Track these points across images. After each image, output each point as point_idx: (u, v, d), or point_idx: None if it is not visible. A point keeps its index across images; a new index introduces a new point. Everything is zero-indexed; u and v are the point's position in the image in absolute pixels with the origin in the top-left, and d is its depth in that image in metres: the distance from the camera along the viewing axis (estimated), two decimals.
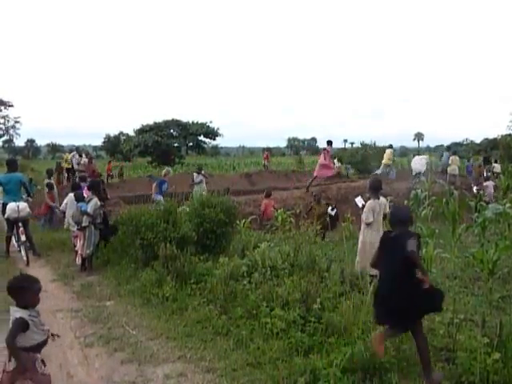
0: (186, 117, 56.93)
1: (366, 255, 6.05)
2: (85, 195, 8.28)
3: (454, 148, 29.51)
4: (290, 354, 4.03)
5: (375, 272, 6.01)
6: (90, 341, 4.67)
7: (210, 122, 43.39)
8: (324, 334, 4.25)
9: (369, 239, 6.08)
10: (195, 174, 13.73)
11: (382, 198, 6.43)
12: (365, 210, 6.19)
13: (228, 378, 3.76)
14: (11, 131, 64.00)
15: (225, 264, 5.63)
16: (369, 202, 6.26)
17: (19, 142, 72.13)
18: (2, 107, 60.61)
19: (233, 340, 4.42)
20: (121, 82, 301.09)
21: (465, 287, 6.37)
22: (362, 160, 27.52)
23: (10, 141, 68.66)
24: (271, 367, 3.87)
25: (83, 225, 7.67)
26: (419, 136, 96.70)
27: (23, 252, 8.07)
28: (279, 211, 11.02)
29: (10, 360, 3.03)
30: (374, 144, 30.35)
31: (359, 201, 6.77)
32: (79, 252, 7.73)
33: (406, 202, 12.26)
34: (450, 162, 17.47)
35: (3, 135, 64.42)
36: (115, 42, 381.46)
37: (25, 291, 3.16)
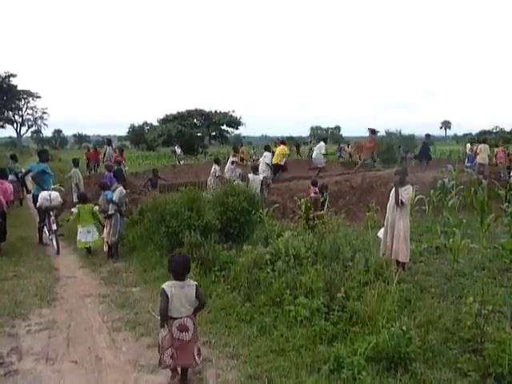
0: (209, 106, 57.08)
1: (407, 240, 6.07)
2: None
3: (483, 136, 28.63)
4: (313, 342, 4.04)
5: (405, 258, 6.06)
6: (118, 325, 4.79)
7: (233, 111, 43.31)
8: (348, 322, 4.24)
9: (407, 224, 6.16)
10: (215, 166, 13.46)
11: (409, 186, 6.34)
12: (406, 192, 6.11)
13: (252, 364, 3.79)
14: (39, 122, 65.75)
15: (248, 252, 5.66)
16: (409, 186, 6.20)
17: (47, 132, 73.91)
18: (30, 98, 62.34)
19: (256, 327, 4.46)
20: (145, 72, 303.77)
21: (493, 278, 6.22)
22: (387, 149, 27.01)
23: (38, 131, 70.51)
24: (295, 354, 3.89)
25: (109, 213, 7.82)
26: (446, 124, 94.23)
27: (54, 241, 8.30)
28: (302, 200, 10.94)
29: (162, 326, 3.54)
30: (400, 132, 29.69)
31: (380, 233, 6.71)
32: (105, 240, 7.91)
33: (432, 191, 12.00)
34: (478, 150, 16.95)
35: (32, 126, 66.21)
36: (140, 34, 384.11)
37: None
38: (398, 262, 6.12)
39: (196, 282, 3.67)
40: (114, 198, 7.76)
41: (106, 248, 7.88)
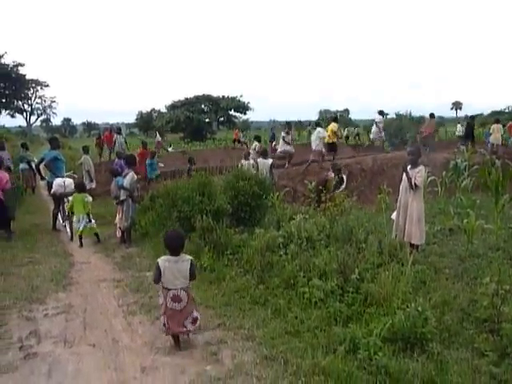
0: (217, 91, 56.72)
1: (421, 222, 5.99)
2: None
3: (496, 116, 28.10)
4: (328, 324, 4.03)
5: (419, 241, 5.98)
6: (133, 309, 4.83)
7: (241, 96, 43.11)
8: (363, 304, 4.22)
9: (422, 206, 6.07)
10: None
11: (422, 167, 6.24)
12: (420, 175, 6.01)
13: (267, 346, 3.81)
14: (48, 111, 65.98)
15: (261, 235, 5.65)
16: (422, 167, 6.10)
17: (56, 121, 74.29)
18: (39, 87, 62.46)
19: (271, 309, 4.47)
20: (152, 59, 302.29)
21: (509, 259, 6.14)
22: (397, 131, 26.64)
23: (47, 120, 70.85)
24: (310, 336, 3.89)
25: (121, 198, 7.86)
26: (457, 105, 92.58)
27: (68, 227, 8.38)
28: (313, 183, 10.88)
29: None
30: (410, 114, 29.24)
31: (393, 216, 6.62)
32: (118, 225, 7.97)
33: (444, 172, 11.84)
34: (491, 130, 16.68)
35: (41, 115, 66.51)
36: (146, 21, 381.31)
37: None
38: (411, 245, 6.05)
39: (191, 257, 3.96)
40: (124, 184, 7.78)
41: (118, 234, 7.95)
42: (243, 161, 11.28)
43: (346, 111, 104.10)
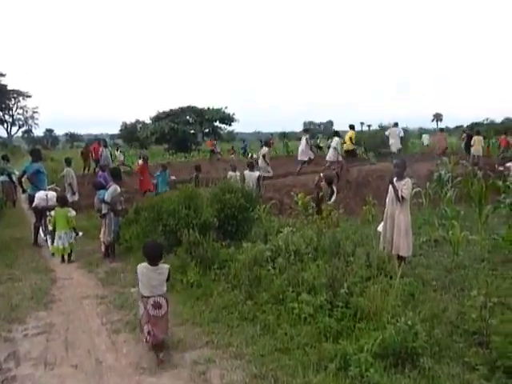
0: (202, 103, 56.81)
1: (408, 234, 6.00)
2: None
3: (476, 128, 28.73)
4: (318, 340, 3.98)
5: (406, 253, 5.98)
6: (117, 327, 4.69)
7: (226, 107, 43.13)
8: (352, 318, 4.18)
9: (408, 218, 6.06)
10: None
11: (408, 179, 6.28)
12: (406, 187, 6.03)
13: (257, 364, 3.73)
14: (30, 121, 65.03)
15: (248, 249, 5.58)
16: (408, 180, 6.12)
17: (38, 131, 73.08)
18: (20, 98, 61.57)
19: (259, 325, 4.40)
20: (136, 69, 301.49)
21: (494, 270, 6.19)
22: (381, 143, 26.99)
23: (29, 131, 69.70)
24: (300, 353, 3.83)
25: (103, 212, 7.71)
26: (438, 117, 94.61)
27: (49, 241, 8.17)
28: (299, 195, 10.88)
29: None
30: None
31: (380, 228, 6.64)
32: (102, 239, 7.80)
33: (428, 183, 11.98)
34: (472, 142, 16.99)
35: (22, 125, 65.48)
36: (130, 31, 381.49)
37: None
38: (399, 257, 6.05)
39: (168, 266, 4.14)
40: (105, 198, 7.63)
41: (103, 248, 7.77)
42: (230, 172, 11.24)
43: (330, 123, 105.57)
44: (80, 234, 7.82)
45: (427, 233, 8.52)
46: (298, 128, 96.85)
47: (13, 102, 61.64)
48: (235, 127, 50.41)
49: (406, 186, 6.02)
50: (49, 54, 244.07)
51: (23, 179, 8.88)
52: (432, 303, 4.65)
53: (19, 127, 65.52)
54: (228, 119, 43.56)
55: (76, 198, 12.41)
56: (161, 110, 43.00)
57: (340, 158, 14.62)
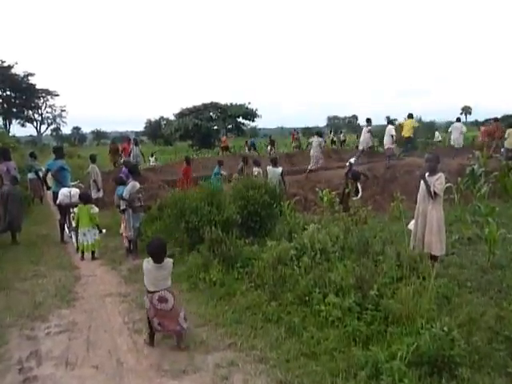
0: (225, 99, 56.77)
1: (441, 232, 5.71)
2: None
3: (508, 120, 27.61)
4: (347, 344, 3.76)
5: (440, 252, 5.67)
6: (139, 327, 4.59)
7: (249, 103, 43.02)
8: (383, 322, 3.94)
9: (441, 214, 5.75)
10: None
11: (441, 174, 5.96)
12: (439, 182, 5.72)
13: (282, 369, 3.55)
14: (58, 120, 66.53)
15: (272, 248, 5.39)
16: (441, 175, 5.81)
17: (66, 129, 74.77)
18: (49, 97, 63.03)
19: (284, 328, 4.21)
20: (160, 67, 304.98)
21: None
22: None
23: (57, 129, 71.38)
24: (328, 358, 3.62)
25: (121, 208, 7.69)
26: (466, 110, 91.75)
27: (73, 238, 8.20)
28: (324, 191, 10.61)
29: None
30: (420, 119, 28.89)
31: (411, 225, 6.33)
32: (124, 235, 7.77)
33: (459, 179, 11.50)
34: (506, 135, 16.25)
35: (51, 124, 67.08)
36: (154, 29, 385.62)
37: None
38: (431, 256, 5.75)
39: (171, 260, 4.14)
40: (124, 194, 7.60)
41: (125, 243, 7.73)
42: (255, 168, 11.04)
43: (355, 117, 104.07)
44: (103, 231, 7.79)
45: (459, 230, 8.13)
46: (322, 123, 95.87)
47: (42, 101, 63.20)
48: (258, 123, 50.07)
49: (439, 182, 5.70)
50: (77, 54, 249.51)
51: (48, 176, 8.96)
52: (469, 307, 4.35)
53: (48, 125, 67.18)
54: (251, 115, 43.46)
55: (101, 194, 12.52)
56: (184, 107, 43.29)
57: (393, 145, 14.96)
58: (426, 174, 5.93)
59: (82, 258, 7.45)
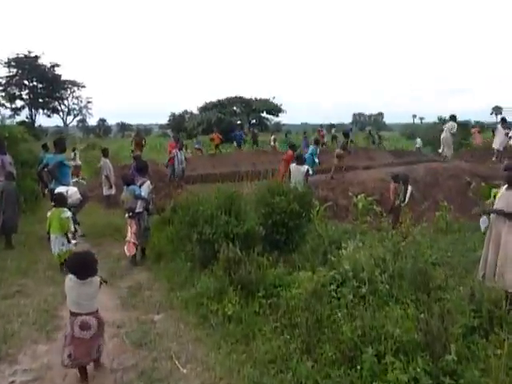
0: (250, 93, 55.75)
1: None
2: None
3: None
4: None
5: None
6: (129, 378, 3.51)
7: (273, 97, 41.77)
8: None
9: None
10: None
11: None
12: None
13: None
14: (84, 111, 66.58)
15: (305, 279, 4.20)
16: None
17: (92, 121, 75.03)
18: (75, 88, 63.07)
19: None
20: (185, 60, 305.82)
21: None
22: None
23: (83, 120, 71.58)
24: None
25: (137, 210, 6.68)
26: (497, 110, 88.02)
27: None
28: (359, 197, 9.35)
29: None
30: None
31: (483, 222, 5.03)
32: (132, 241, 6.71)
33: None
34: None
35: (77, 115, 67.23)
36: (179, 23, 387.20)
37: None
38: (506, 295, 4.42)
39: (99, 278, 3.63)
40: (142, 194, 6.63)
41: (132, 252, 6.65)
42: (293, 165, 9.79)
43: (381, 115, 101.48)
44: (73, 241, 6.31)
45: None
46: (347, 120, 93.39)
47: (68, 93, 63.24)
48: (282, 118, 48.58)
49: None
50: (103, 45, 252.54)
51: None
52: None
53: (74, 116, 67.31)
54: (275, 110, 42.28)
55: (113, 191, 11.58)
56: (208, 101, 42.38)
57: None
58: (504, 187, 4.65)
59: (61, 269, 6.00)
